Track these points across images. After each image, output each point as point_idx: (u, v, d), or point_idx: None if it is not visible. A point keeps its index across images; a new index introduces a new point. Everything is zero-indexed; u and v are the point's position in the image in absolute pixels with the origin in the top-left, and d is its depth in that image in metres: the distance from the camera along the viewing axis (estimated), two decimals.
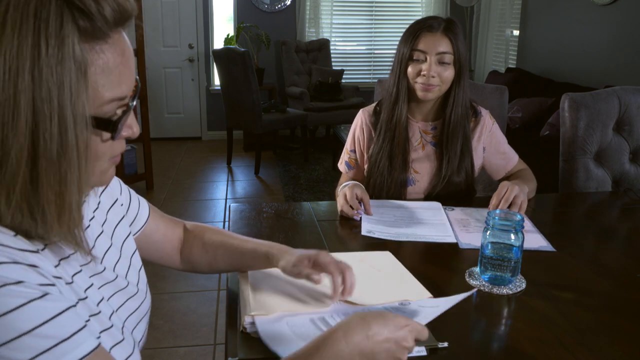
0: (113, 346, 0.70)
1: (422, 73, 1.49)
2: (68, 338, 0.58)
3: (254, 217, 1.46)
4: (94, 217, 0.80)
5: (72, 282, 0.67)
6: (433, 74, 1.48)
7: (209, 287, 2.72)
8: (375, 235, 1.33)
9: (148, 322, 0.88)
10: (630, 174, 1.97)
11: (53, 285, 0.61)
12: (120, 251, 0.84)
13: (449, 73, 1.50)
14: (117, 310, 0.77)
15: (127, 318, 0.79)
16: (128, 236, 0.88)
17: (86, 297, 0.69)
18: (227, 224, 1.45)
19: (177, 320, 2.46)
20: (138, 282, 0.86)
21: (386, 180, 1.60)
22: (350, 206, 1.43)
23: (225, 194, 4.29)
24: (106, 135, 0.63)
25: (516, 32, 5.53)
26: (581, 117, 1.91)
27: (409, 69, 1.52)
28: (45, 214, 0.58)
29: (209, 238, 1.05)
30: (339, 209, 1.46)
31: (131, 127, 0.67)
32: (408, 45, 1.51)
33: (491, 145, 1.66)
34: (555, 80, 4.64)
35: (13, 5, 0.53)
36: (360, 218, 1.43)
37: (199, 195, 4.27)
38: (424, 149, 1.63)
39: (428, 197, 1.63)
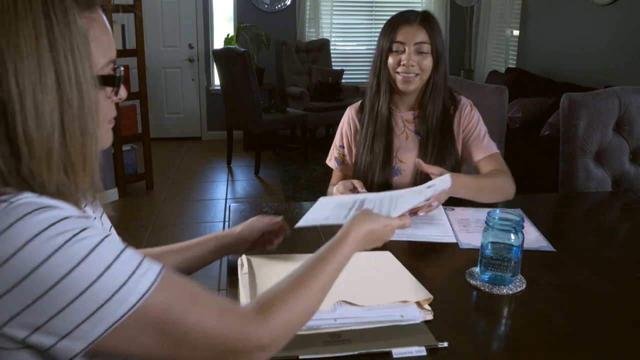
0: None
1: (401, 63, 1.54)
2: (142, 261, 0.64)
3: None
4: (94, 217, 0.83)
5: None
6: (412, 63, 1.53)
7: (209, 287, 2.71)
8: None
9: None
10: (630, 174, 1.97)
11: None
12: None
13: (427, 62, 1.55)
14: None
15: None
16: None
17: None
18: (227, 224, 1.45)
19: None
20: None
21: (370, 170, 1.62)
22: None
23: (225, 194, 4.29)
24: (109, 91, 0.72)
25: (516, 32, 5.53)
26: (581, 117, 1.91)
27: (389, 60, 1.56)
28: (74, 166, 0.65)
29: (152, 251, 1.06)
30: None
31: (120, 92, 0.75)
32: (387, 38, 1.56)
33: (468, 126, 1.64)
34: (555, 80, 4.64)
35: None
36: None
37: (199, 195, 4.27)
38: (407, 138, 1.65)
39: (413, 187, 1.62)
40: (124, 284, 0.60)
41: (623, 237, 1.44)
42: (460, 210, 1.50)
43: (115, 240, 0.64)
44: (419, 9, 1.61)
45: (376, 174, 1.61)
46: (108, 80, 0.71)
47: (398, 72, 1.55)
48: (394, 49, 1.55)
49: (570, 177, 1.95)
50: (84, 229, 0.60)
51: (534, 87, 4.68)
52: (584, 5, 4.40)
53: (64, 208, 0.62)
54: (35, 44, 0.60)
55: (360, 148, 1.65)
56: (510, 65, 5.58)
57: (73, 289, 0.57)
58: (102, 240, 0.61)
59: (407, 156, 1.64)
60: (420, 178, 1.60)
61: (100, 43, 0.69)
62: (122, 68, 0.74)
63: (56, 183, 0.64)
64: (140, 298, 0.61)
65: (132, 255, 0.63)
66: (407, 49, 1.53)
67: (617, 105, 1.94)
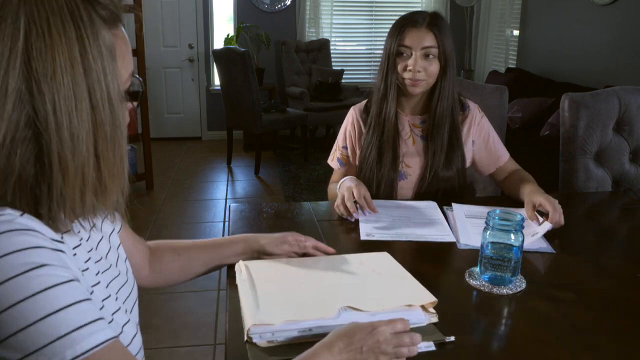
0: (123, 325, 0.75)
1: (408, 68, 1.52)
2: (96, 320, 0.61)
3: (254, 217, 1.46)
4: None
5: (87, 269, 0.72)
6: (419, 69, 1.50)
7: (209, 287, 2.72)
8: (375, 238, 1.33)
9: (138, 311, 0.91)
10: (630, 174, 1.97)
11: (73, 279, 0.64)
12: (109, 242, 0.88)
13: (434, 67, 1.52)
14: (116, 294, 0.80)
15: (124, 301, 0.83)
16: (113, 231, 0.92)
17: (98, 282, 0.74)
18: (227, 224, 1.45)
19: (177, 320, 2.46)
20: (127, 271, 0.89)
21: (375, 176, 1.61)
22: (349, 208, 1.42)
23: (225, 194, 4.29)
24: (128, 105, 0.73)
25: (516, 32, 5.53)
26: (581, 117, 1.91)
27: (397, 64, 1.54)
28: (106, 187, 0.65)
29: (178, 243, 1.09)
30: (338, 204, 1.44)
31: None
32: (395, 41, 1.54)
33: (480, 137, 1.66)
34: (555, 80, 4.64)
35: (50, 12, 0.60)
36: (356, 220, 1.43)
37: (199, 195, 4.27)
38: (414, 143, 1.64)
39: (419, 191, 1.63)
40: (66, 335, 0.57)
41: (623, 237, 1.44)
42: (460, 210, 1.50)
43: (77, 288, 0.61)
44: (420, 9, 1.59)
45: (382, 178, 1.60)
46: (133, 95, 0.73)
47: (404, 77, 1.53)
48: (400, 52, 1.53)
49: (570, 177, 1.95)
50: (45, 265, 0.59)
51: (534, 87, 4.68)
52: (584, 5, 4.40)
53: (40, 235, 0.61)
54: (71, 72, 0.60)
55: (366, 151, 1.63)
56: (510, 65, 5.58)
57: (13, 324, 0.56)
58: (62, 282, 0.59)
59: (413, 161, 1.63)
60: (428, 183, 1.60)
61: (123, 58, 0.70)
62: (140, 78, 0.76)
63: (87, 206, 0.64)
64: (75, 357, 0.57)
65: (88, 310, 0.61)
66: (414, 53, 1.51)
67: (617, 105, 1.94)
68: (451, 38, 1.55)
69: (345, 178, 1.54)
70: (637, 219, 1.55)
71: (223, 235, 3.36)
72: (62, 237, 0.67)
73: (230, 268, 1.13)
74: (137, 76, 0.75)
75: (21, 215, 0.61)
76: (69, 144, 0.60)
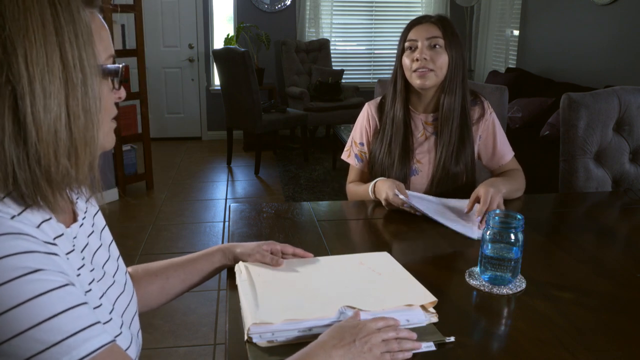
0: (115, 336, 0.72)
1: (415, 58, 1.53)
2: (92, 325, 0.61)
3: (254, 217, 1.46)
4: (85, 217, 0.83)
5: (79, 275, 0.70)
6: (425, 56, 1.52)
7: (209, 287, 2.72)
8: (420, 208, 1.38)
9: (138, 321, 0.90)
10: (630, 174, 1.97)
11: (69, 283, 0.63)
12: (109, 252, 0.87)
13: (442, 60, 1.53)
14: (114, 304, 0.79)
15: (123, 312, 0.81)
16: (112, 241, 0.91)
17: (90, 290, 0.72)
18: (227, 224, 1.45)
19: (177, 320, 2.46)
20: (125, 282, 0.88)
21: (388, 169, 1.63)
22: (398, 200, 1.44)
23: (225, 194, 4.29)
24: (112, 84, 0.75)
25: (516, 32, 5.53)
26: (581, 117, 1.91)
27: (405, 60, 1.56)
28: (77, 150, 0.66)
29: (154, 265, 1.07)
30: (386, 198, 1.46)
31: (119, 91, 0.77)
32: (402, 40, 1.58)
33: (487, 133, 1.68)
34: (555, 80, 4.64)
35: None
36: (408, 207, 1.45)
37: (199, 195, 4.27)
38: (426, 139, 1.66)
39: (430, 187, 1.65)
40: (61, 341, 0.57)
41: (623, 237, 1.44)
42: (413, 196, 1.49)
43: (72, 292, 0.61)
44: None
45: (393, 174, 1.62)
46: (111, 72, 0.73)
47: (413, 69, 1.54)
48: (407, 47, 1.56)
49: (570, 177, 1.95)
50: (38, 270, 0.58)
51: (534, 87, 4.68)
52: (584, 5, 4.40)
53: (33, 239, 0.61)
54: (42, 31, 0.62)
55: (378, 147, 1.66)
56: (510, 65, 5.58)
57: (7, 330, 0.55)
58: (56, 288, 0.59)
59: (425, 157, 1.65)
60: (437, 178, 1.62)
61: (101, 37, 0.72)
62: (122, 64, 0.76)
63: (61, 167, 0.65)
64: None
65: (84, 314, 0.60)
66: (420, 44, 1.53)
67: (617, 105, 1.94)
68: (459, 39, 1.57)
69: (373, 182, 1.54)
70: (637, 219, 1.55)
71: (223, 236, 3.36)
72: (54, 240, 0.67)
73: (230, 268, 1.13)
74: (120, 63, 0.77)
75: (11, 218, 0.61)
76: (41, 97, 0.62)
